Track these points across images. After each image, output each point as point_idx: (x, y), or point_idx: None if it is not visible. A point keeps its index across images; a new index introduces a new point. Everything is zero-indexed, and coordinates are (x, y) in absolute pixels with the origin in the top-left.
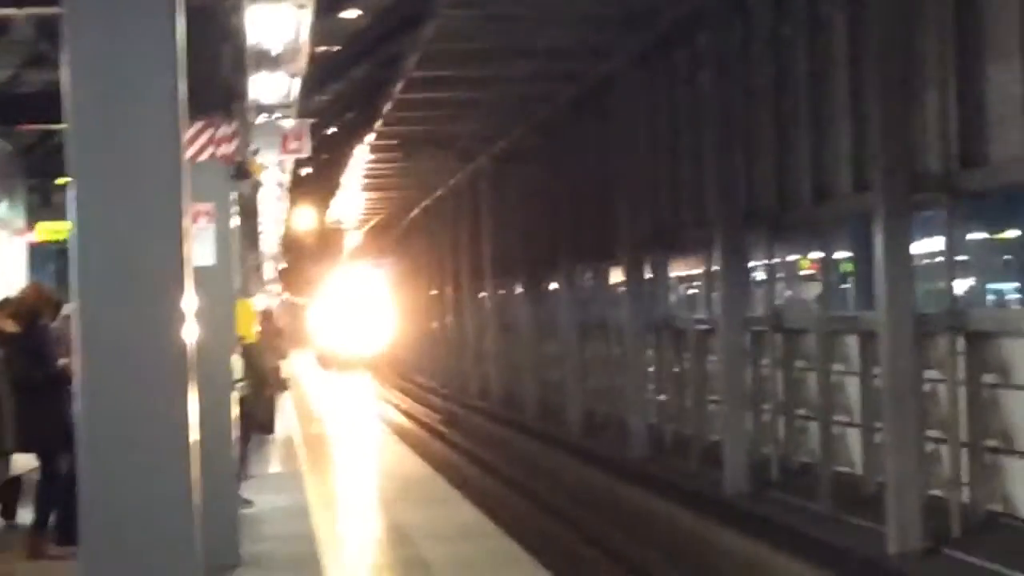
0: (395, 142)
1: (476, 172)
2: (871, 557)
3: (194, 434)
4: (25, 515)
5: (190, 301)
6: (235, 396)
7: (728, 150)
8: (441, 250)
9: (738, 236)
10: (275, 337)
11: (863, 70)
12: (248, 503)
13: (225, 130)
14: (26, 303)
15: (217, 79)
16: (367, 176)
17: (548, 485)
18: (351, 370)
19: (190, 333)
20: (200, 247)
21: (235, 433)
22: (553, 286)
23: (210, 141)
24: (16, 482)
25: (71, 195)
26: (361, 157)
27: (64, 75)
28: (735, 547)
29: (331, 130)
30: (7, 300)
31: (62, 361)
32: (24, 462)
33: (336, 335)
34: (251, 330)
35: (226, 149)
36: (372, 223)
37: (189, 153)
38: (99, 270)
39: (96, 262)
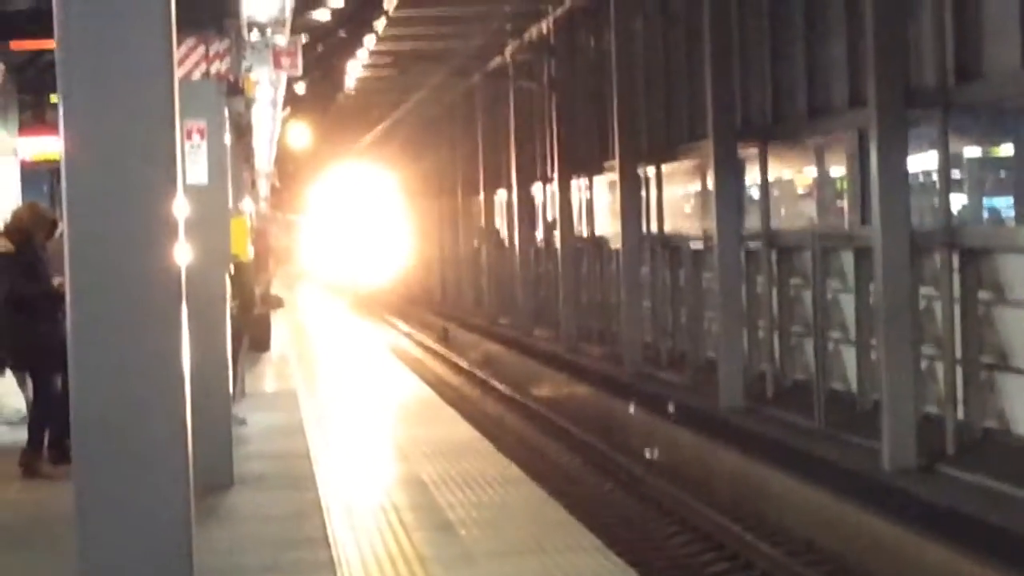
0: (389, 59)
1: (469, 88)
2: (865, 474)
3: (186, 354)
4: (20, 434)
5: (182, 220)
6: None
7: (724, 65)
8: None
9: (732, 150)
10: (268, 255)
11: None
12: (242, 422)
13: (218, 47)
14: (21, 222)
15: None
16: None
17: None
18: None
19: (182, 253)
20: (193, 165)
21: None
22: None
23: (203, 58)
24: None
25: (61, 113)
26: (354, 74)
27: None
28: (728, 463)
29: (322, 48)
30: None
31: (57, 280)
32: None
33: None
34: (245, 248)
35: (219, 66)
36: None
37: (182, 70)
38: (89, 190)
39: (86, 181)
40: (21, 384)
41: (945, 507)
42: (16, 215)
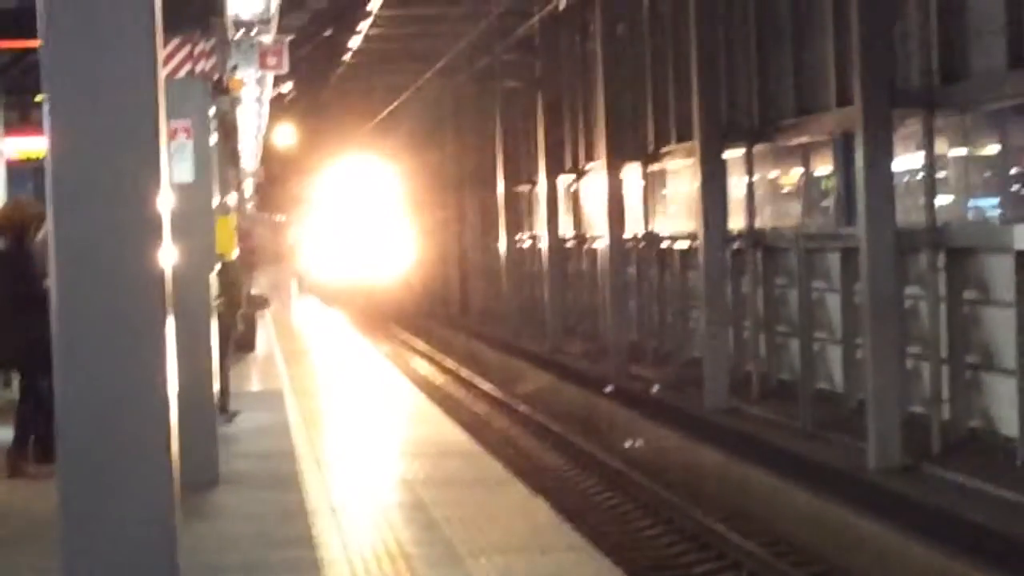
0: (372, 59)
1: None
2: (851, 473)
3: (171, 353)
4: (5, 434)
5: (167, 219)
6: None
7: (710, 66)
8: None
9: (718, 152)
10: (251, 255)
11: None
12: (234, 414)
13: (203, 46)
14: (12, 219)
15: None
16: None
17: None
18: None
19: (168, 252)
20: (178, 164)
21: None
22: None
23: (188, 57)
24: None
25: (46, 112)
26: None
27: None
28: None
29: (308, 48)
30: None
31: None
32: None
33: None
34: (231, 247)
35: (204, 65)
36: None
37: (167, 69)
38: (74, 189)
39: (71, 181)
40: (5, 383)
41: (930, 506)
42: (6, 212)
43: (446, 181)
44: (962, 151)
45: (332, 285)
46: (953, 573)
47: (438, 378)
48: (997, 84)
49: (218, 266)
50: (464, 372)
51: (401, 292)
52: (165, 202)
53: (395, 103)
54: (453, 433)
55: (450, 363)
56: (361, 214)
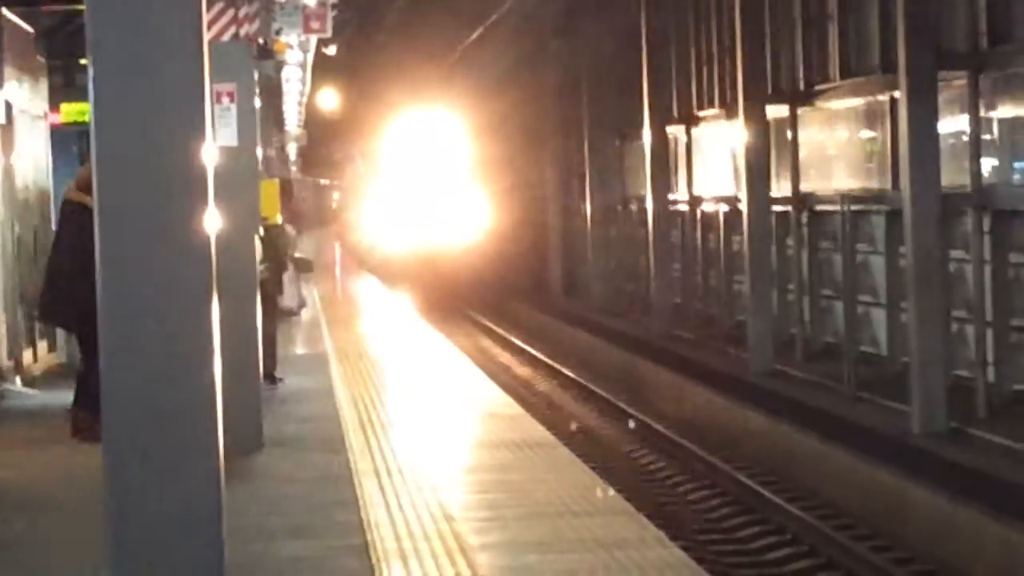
0: None
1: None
2: (896, 437)
3: (216, 316)
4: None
5: (211, 183)
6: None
7: (756, 31)
8: None
9: (762, 114)
10: (296, 219)
11: None
12: (277, 381)
13: (247, 10)
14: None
15: None
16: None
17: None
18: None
19: (212, 217)
20: (223, 128)
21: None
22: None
23: (232, 21)
24: None
25: (91, 77)
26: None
27: None
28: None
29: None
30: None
31: None
32: None
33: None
34: (275, 211)
35: (249, 28)
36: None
37: (211, 33)
38: (118, 153)
39: (115, 145)
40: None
41: (976, 470)
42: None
43: (545, 128)
44: (1008, 113)
45: (394, 259)
46: (999, 536)
47: (570, 406)
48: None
49: (262, 230)
50: (613, 398)
51: (479, 266)
52: (210, 166)
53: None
54: (497, 395)
55: (574, 377)
56: (429, 171)
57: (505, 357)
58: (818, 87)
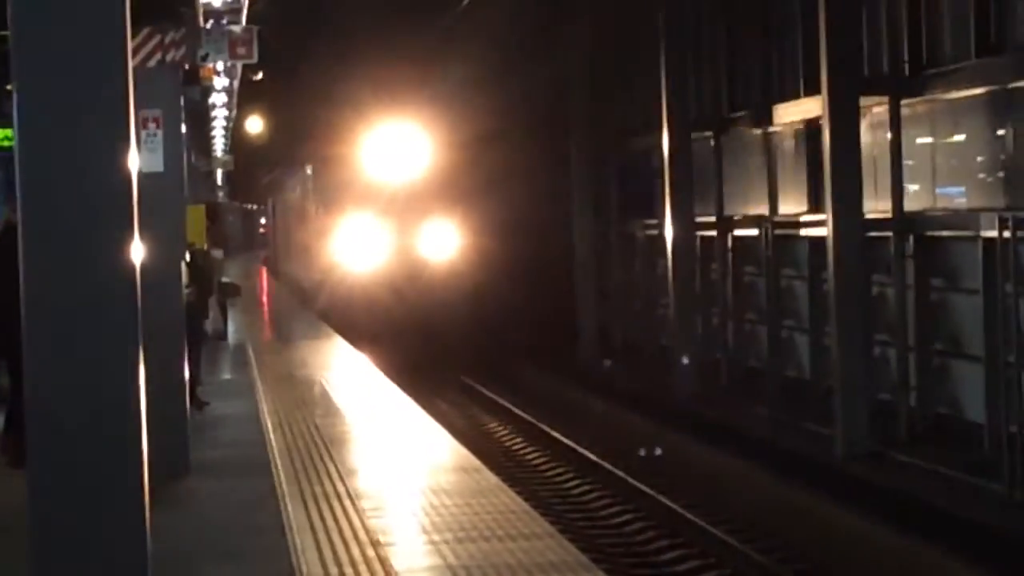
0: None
1: None
2: (819, 460)
3: (141, 342)
4: None
5: (137, 209)
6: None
7: (679, 61)
8: None
9: (685, 140)
10: (223, 243)
11: None
12: (204, 405)
13: (174, 35)
14: None
15: None
16: None
17: None
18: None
19: (137, 242)
20: (149, 153)
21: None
22: None
23: (159, 46)
24: None
25: (15, 103)
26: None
27: None
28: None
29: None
30: None
31: None
32: None
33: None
34: (201, 236)
35: (175, 54)
36: None
37: (137, 59)
38: (43, 178)
39: (39, 171)
40: None
41: (896, 492)
42: None
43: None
44: (929, 139)
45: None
46: (920, 557)
47: None
48: (964, 73)
49: (188, 255)
50: None
51: (471, 310)
52: (135, 192)
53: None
54: (419, 418)
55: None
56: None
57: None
58: (740, 115)
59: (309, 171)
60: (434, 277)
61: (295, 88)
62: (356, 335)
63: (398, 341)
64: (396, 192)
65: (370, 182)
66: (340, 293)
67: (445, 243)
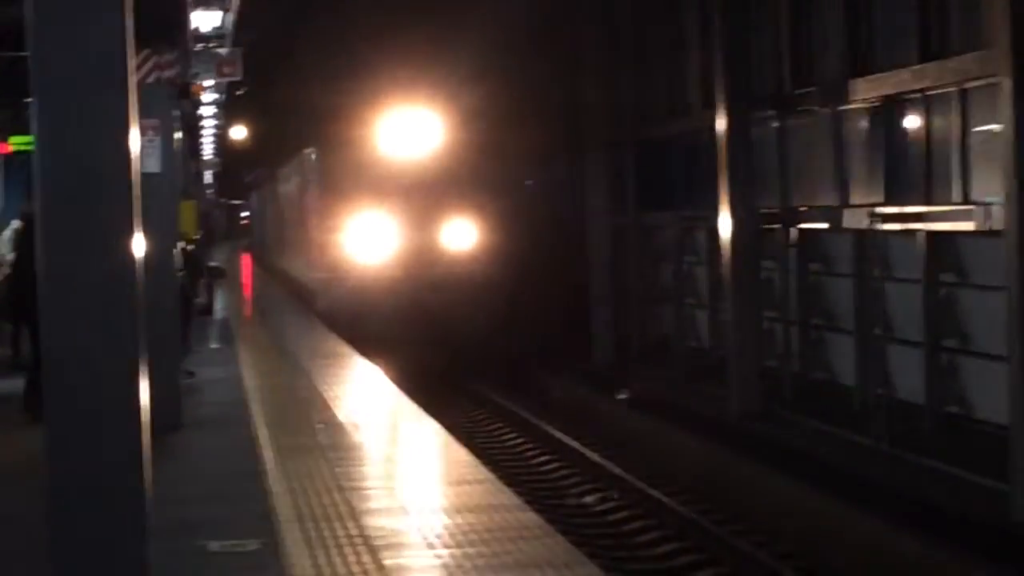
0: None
1: None
2: (716, 418)
3: (140, 316)
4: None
5: (139, 203)
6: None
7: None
8: None
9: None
10: (213, 235)
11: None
12: (191, 374)
13: (168, 56)
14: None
15: (161, 13)
16: None
17: None
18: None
19: (139, 231)
20: (148, 157)
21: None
22: None
23: (155, 66)
24: None
25: (35, 114)
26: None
27: (27, 11)
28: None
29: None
30: None
31: None
32: None
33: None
34: (193, 227)
35: (169, 73)
36: None
37: (138, 76)
38: (59, 178)
39: (56, 171)
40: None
41: (783, 445)
42: None
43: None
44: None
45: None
46: (805, 500)
47: None
48: (837, 90)
49: (182, 243)
50: None
51: (488, 309)
52: (137, 189)
53: None
54: (385, 384)
55: None
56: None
57: None
58: (649, 125)
59: (313, 157)
60: (463, 279)
61: (294, 69)
62: (369, 341)
63: (420, 350)
64: (419, 180)
65: (390, 169)
66: (352, 296)
67: (474, 238)
